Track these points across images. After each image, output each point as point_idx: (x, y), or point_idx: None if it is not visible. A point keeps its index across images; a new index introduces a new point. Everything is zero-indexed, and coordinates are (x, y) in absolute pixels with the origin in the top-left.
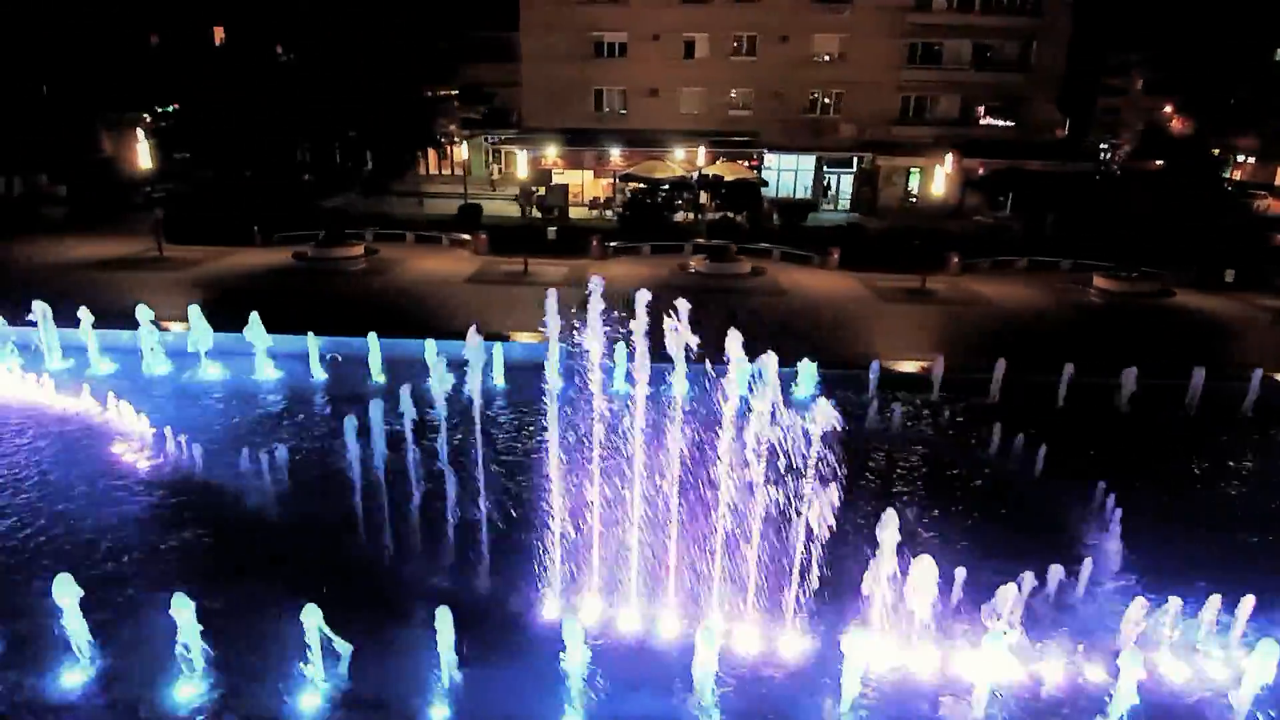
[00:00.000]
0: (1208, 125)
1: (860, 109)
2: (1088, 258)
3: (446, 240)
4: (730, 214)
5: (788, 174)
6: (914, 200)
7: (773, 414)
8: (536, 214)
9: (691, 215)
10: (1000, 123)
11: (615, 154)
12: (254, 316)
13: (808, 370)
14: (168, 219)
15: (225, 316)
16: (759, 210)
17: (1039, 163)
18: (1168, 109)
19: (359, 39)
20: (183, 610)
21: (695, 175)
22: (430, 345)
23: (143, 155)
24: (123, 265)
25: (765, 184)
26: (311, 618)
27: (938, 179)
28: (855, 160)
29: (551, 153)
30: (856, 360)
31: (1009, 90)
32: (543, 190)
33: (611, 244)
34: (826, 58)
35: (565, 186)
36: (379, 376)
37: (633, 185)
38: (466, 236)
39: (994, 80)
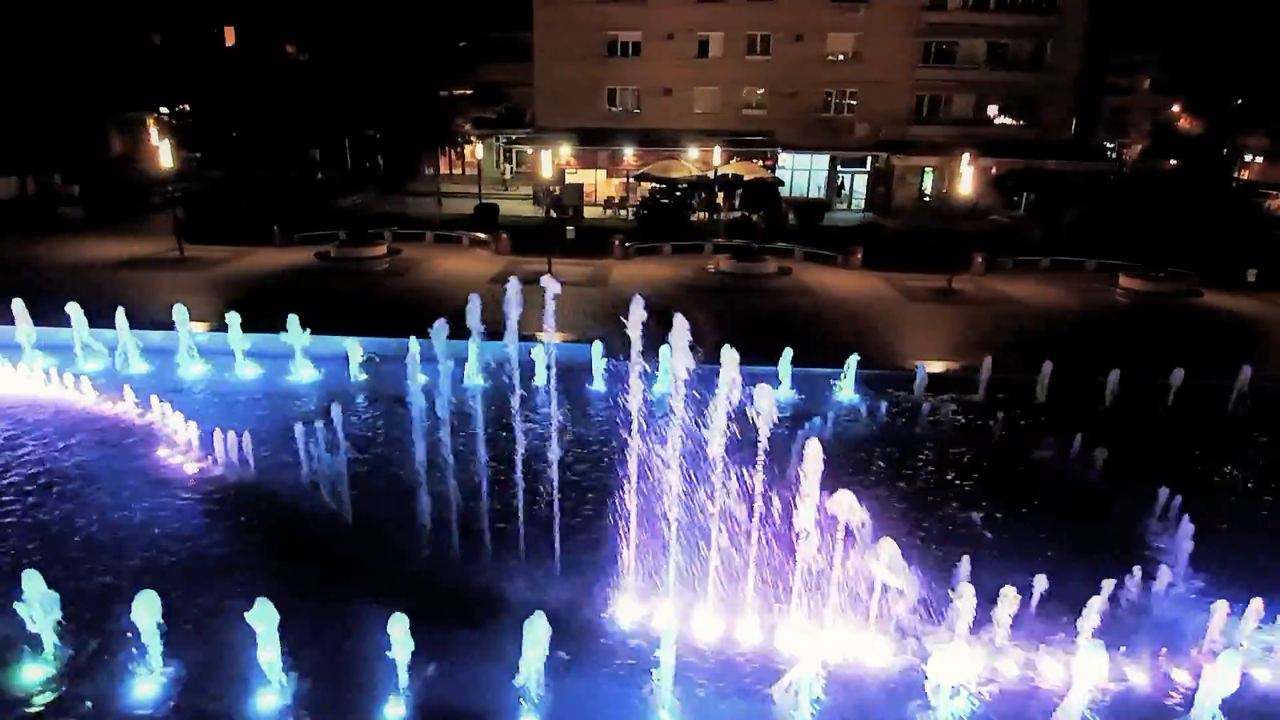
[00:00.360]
0: (1218, 125)
1: (875, 108)
2: (1104, 257)
3: (466, 240)
4: (749, 214)
5: (801, 173)
6: (928, 199)
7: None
8: (552, 213)
9: (710, 215)
10: (1014, 122)
11: (629, 154)
12: (293, 319)
13: (851, 369)
14: (185, 219)
15: (252, 316)
16: (777, 210)
17: (1053, 162)
18: (1175, 109)
19: (373, 38)
20: (261, 619)
21: (714, 175)
22: (474, 346)
23: (164, 154)
24: (145, 265)
25: (781, 184)
26: (398, 626)
27: (965, 178)
28: (869, 160)
29: (565, 152)
30: (894, 361)
31: (1024, 89)
32: (557, 190)
33: (628, 244)
34: (841, 57)
35: (580, 186)
36: (419, 378)
37: (649, 185)
38: (485, 236)
39: (1009, 79)
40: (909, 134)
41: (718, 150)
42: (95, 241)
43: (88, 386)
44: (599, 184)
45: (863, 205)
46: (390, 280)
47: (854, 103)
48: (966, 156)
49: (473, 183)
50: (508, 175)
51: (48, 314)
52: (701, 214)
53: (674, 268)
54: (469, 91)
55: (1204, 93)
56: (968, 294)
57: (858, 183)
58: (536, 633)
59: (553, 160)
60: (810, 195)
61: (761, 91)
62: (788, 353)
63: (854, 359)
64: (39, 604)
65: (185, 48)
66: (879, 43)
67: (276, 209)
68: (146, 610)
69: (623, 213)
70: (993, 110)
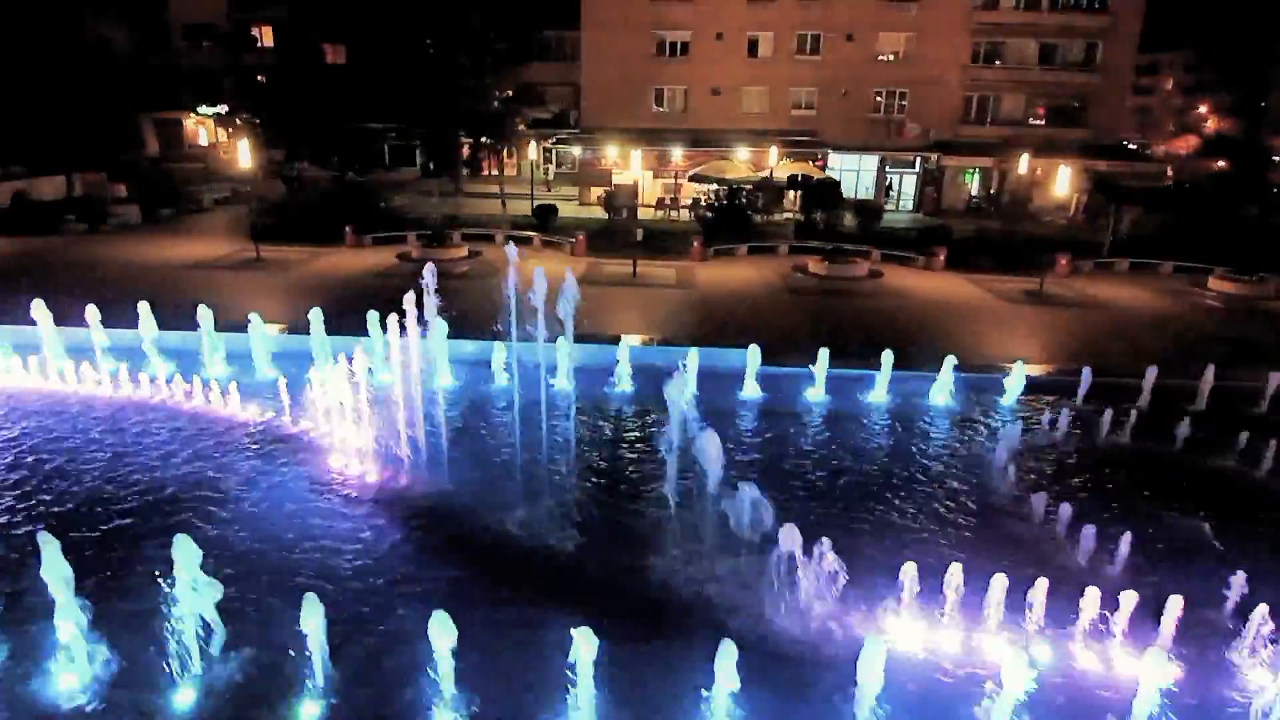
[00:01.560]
0: (1256, 125)
1: (925, 108)
2: (1161, 259)
3: (538, 241)
4: (812, 215)
5: (849, 174)
6: (977, 200)
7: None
8: (610, 214)
9: (767, 216)
10: (1066, 124)
11: (678, 154)
12: (441, 325)
13: (1018, 376)
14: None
15: (348, 319)
16: (840, 211)
17: (1105, 163)
18: (1202, 109)
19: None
20: (441, 636)
21: (771, 175)
22: (624, 349)
23: (242, 154)
24: (222, 267)
25: (838, 184)
26: (585, 642)
27: (1060, 181)
28: (918, 160)
29: (612, 153)
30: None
31: (1076, 90)
32: (610, 190)
33: (708, 246)
34: (892, 56)
35: (634, 186)
36: (564, 383)
37: (703, 186)
38: (558, 238)
39: (1060, 80)
40: (959, 134)
41: (774, 151)
42: (157, 242)
43: (224, 393)
44: (646, 184)
45: (911, 206)
46: (476, 282)
47: (905, 103)
48: (1025, 157)
49: (514, 184)
50: (550, 176)
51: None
52: (767, 215)
53: (756, 270)
54: (509, 93)
55: (1241, 93)
56: (1060, 297)
57: (906, 183)
58: (724, 659)
59: (596, 160)
60: (861, 196)
61: (811, 91)
62: (950, 360)
63: (1020, 366)
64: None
65: (232, 47)
66: (930, 42)
67: (337, 209)
68: (314, 619)
69: (674, 213)
70: (1043, 111)
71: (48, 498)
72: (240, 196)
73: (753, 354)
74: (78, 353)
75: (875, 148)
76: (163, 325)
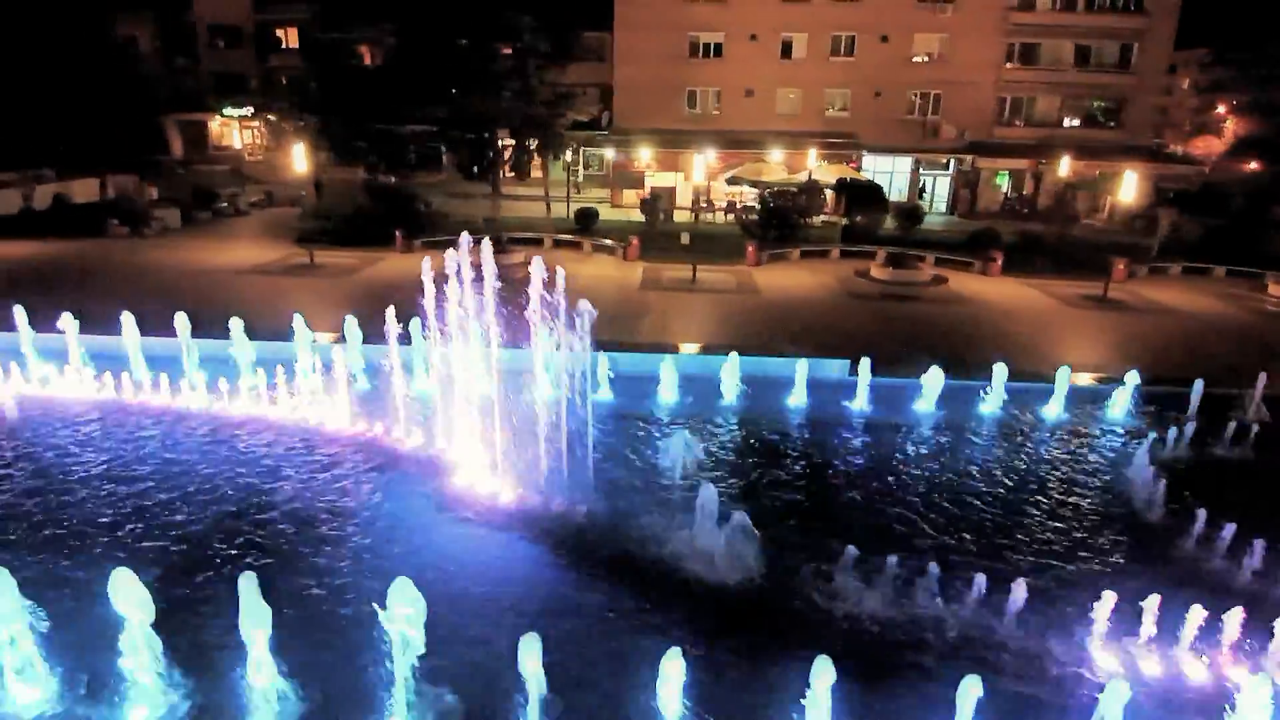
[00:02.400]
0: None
1: (960, 110)
2: (1203, 262)
3: (589, 245)
4: (859, 218)
5: (883, 176)
6: (1011, 201)
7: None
8: (647, 217)
9: (817, 219)
10: (1100, 125)
11: (711, 156)
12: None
13: (1130, 386)
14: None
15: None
16: (885, 214)
17: (1141, 165)
18: (1220, 109)
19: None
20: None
21: (809, 177)
22: (733, 361)
23: (297, 159)
24: (277, 272)
25: (881, 188)
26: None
27: (1127, 187)
28: (952, 162)
29: (645, 155)
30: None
31: (1111, 92)
32: (653, 193)
33: (763, 250)
34: (926, 58)
35: (672, 190)
36: (670, 394)
37: (734, 189)
38: (610, 241)
39: (1096, 81)
40: (993, 136)
41: (812, 153)
42: (203, 246)
43: (330, 407)
44: (678, 186)
45: (944, 208)
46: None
47: (939, 104)
48: (1067, 159)
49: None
50: (579, 178)
51: (207, 325)
52: (817, 218)
53: (812, 274)
54: (555, 94)
55: (1262, 92)
56: (1124, 303)
57: (939, 185)
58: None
59: (629, 162)
60: (894, 199)
61: (845, 93)
62: (1064, 370)
63: (1133, 376)
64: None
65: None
66: (966, 43)
67: (379, 213)
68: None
69: (708, 216)
70: (1078, 113)
71: (175, 520)
72: (275, 200)
73: (864, 367)
74: (164, 364)
75: (909, 149)
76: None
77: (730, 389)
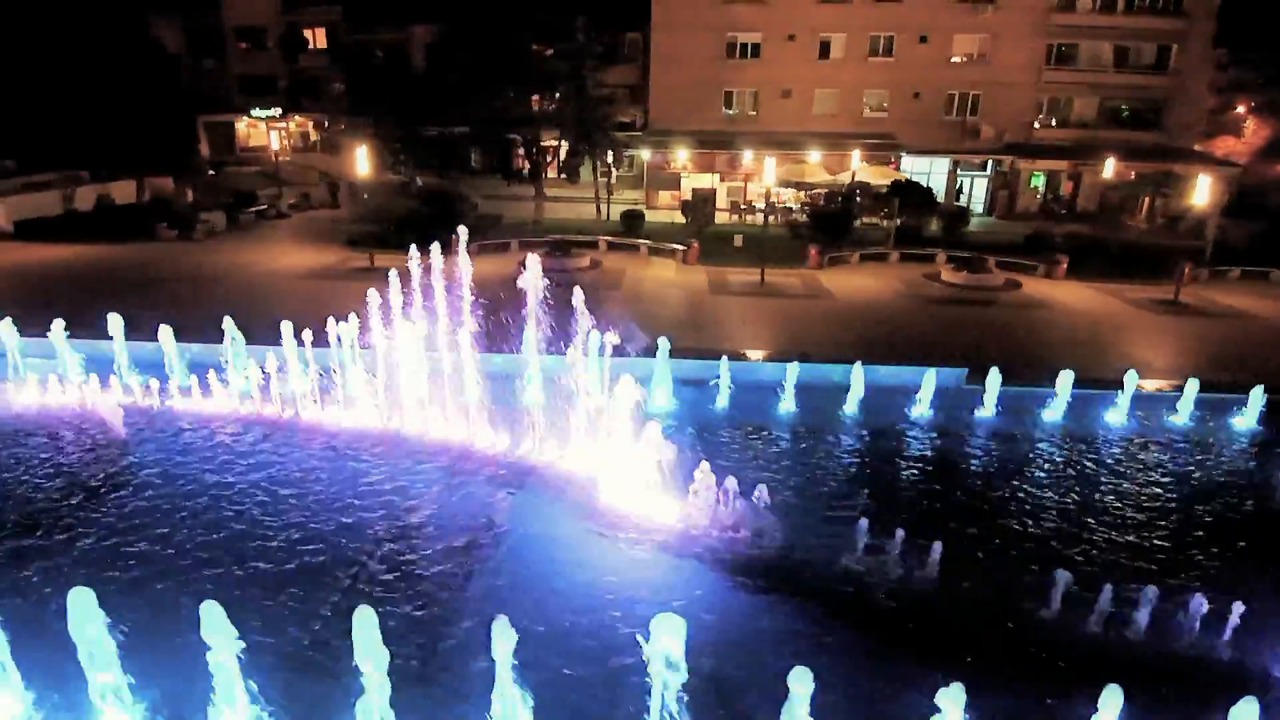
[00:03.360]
0: None
1: (999, 111)
2: (1260, 265)
3: (645, 249)
4: (912, 221)
5: (919, 177)
6: (1051, 203)
7: None
8: (688, 219)
9: (874, 220)
10: (1139, 127)
11: (748, 157)
12: (663, 341)
13: (1256, 398)
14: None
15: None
16: (934, 216)
17: (1180, 166)
18: (1240, 109)
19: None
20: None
21: (853, 179)
22: (858, 371)
23: (360, 162)
24: (339, 276)
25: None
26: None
27: (1200, 190)
28: (990, 163)
29: (682, 156)
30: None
31: (1151, 93)
32: (682, 195)
33: (824, 253)
34: (966, 58)
35: (712, 192)
36: (789, 404)
37: (759, 190)
38: (671, 245)
39: (1135, 83)
40: (1032, 137)
41: (856, 155)
42: (254, 249)
43: (465, 421)
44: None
45: (982, 209)
46: (611, 292)
47: (978, 105)
48: (1111, 161)
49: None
50: (613, 180)
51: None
52: (869, 220)
53: (877, 278)
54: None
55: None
56: (1197, 307)
57: (977, 186)
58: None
59: (665, 164)
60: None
61: (883, 93)
62: (1193, 384)
63: (1259, 392)
64: None
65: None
66: (1006, 44)
67: (428, 216)
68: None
69: (747, 217)
70: (1116, 114)
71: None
72: (311, 202)
73: (993, 376)
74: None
75: (948, 151)
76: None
77: (853, 399)
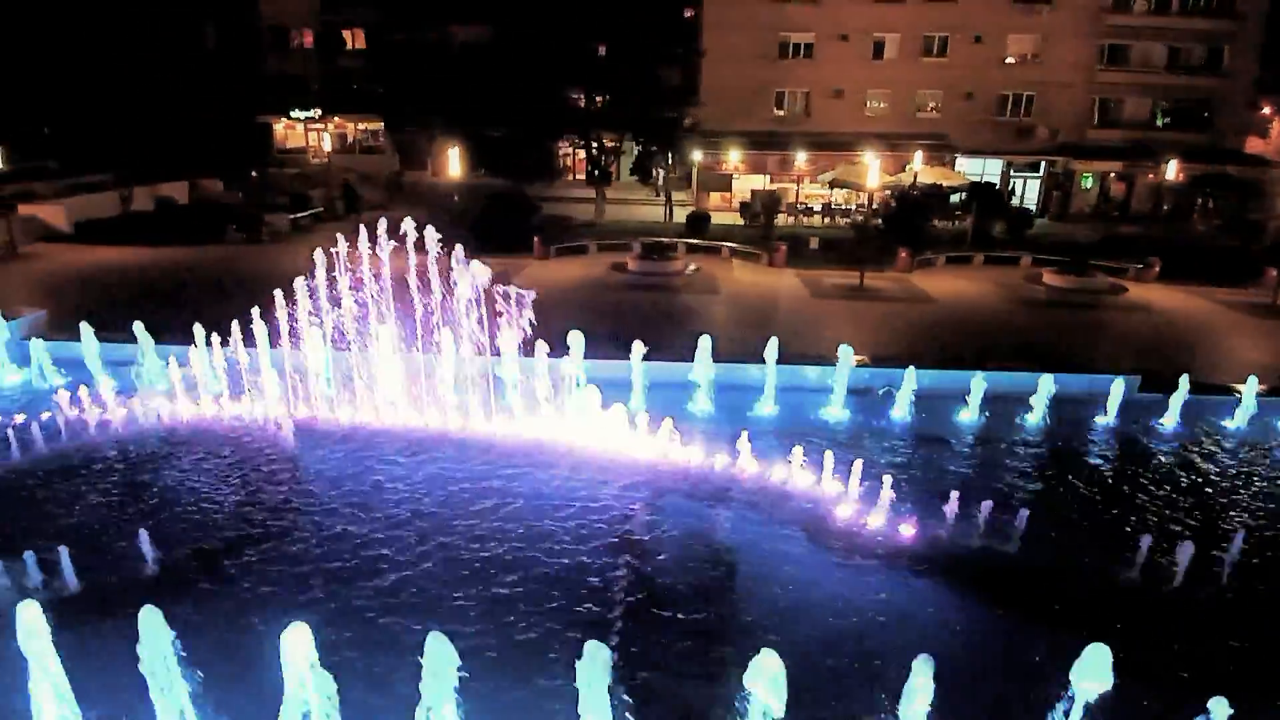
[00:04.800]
0: None
1: (1052, 111)
2: None
3: (726, 252)
4: (982, 221)
5: (972, 178)
6: (1104, 204)
7: None
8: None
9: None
10: (1189, 127)
11: (801, 158)
12: (846, 350)
13: None
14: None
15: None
16: (1001, 218)
17: (1235, 167)
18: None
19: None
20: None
21: (915, 180)
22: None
23: (452, 165)
24: None
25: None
26: None
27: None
28: (1043, 164)
29: (734, 157)
30: None
31: (1203, 93)
32: (766, 195)
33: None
34: (1019, 58)
35: (773, 193)
36: (971, 414)
37: (814, 191)
38: (752, 249)
39: (1187, 83)
40: (1086, 137)
41: (918, 156)
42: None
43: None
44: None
45: (1034, 210)
46: (713, 296)
47: (1032, 105)
48: (1174, 163)
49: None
50: (660, 180)
51: None
52: (950, 222)
53: (972, 280)
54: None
55: None
56: None
57: (1029, 188)
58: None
59: (716, 164)
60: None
61: (936, 93)
62: None
63: None
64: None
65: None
66: (1060, 44)
67: (502, 218)
68: None
69: (805, 218)
70: (1169, 114)
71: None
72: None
73: (1182, 385)
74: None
75: (1003, 151)
76: None
77: (1038, 409)
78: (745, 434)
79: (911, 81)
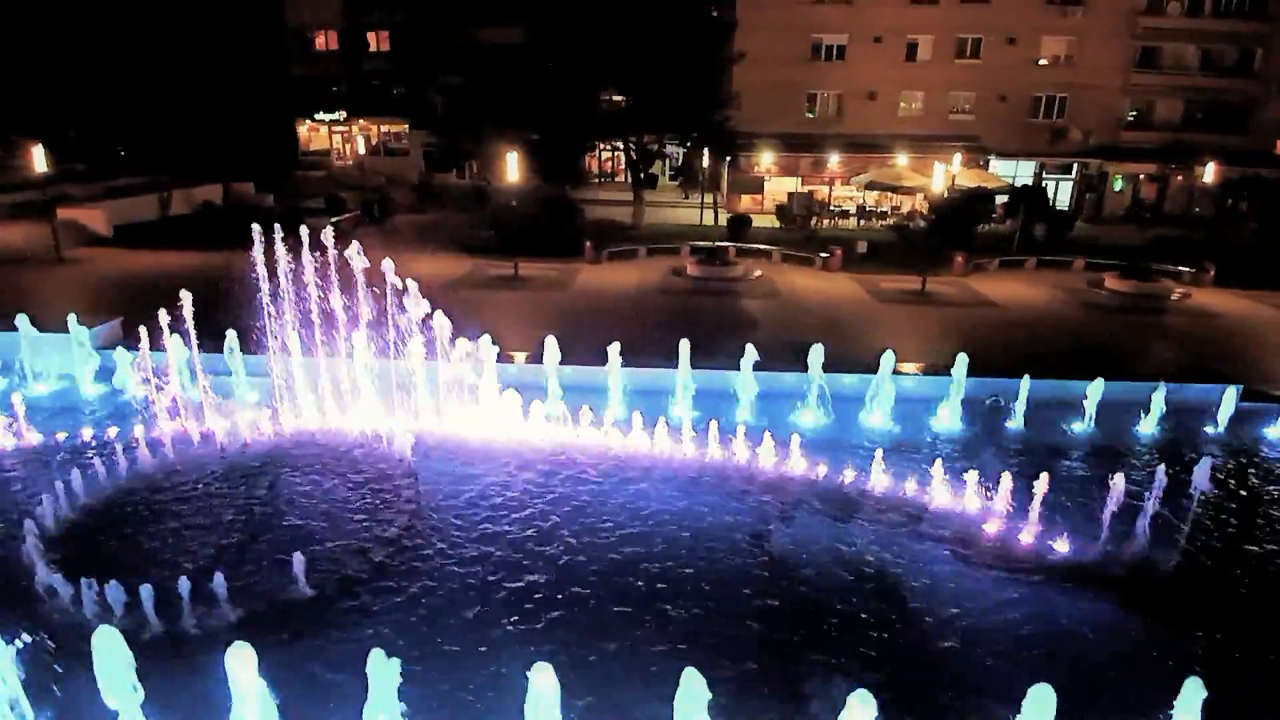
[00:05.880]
0: None
1: (1086, 113)
2: None
3: (777, 256)
4: (1030, 225)
5: (1005, 180)
6: (1137, 207)
7: None
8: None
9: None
10: (1223, 129)
11: (834, 160)
12: (964, 359)
13: None
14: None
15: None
16: (1044, 221)
17: (1270, 170)
18: None
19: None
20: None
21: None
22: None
23: (511, 169)
24: (492, 285)
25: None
26: None
27: None
28: (1076, 166)
29: (767, 159)
30: None
31: (1236, 96)
32: (781, 199)
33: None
34: (1053, 60)
35: (811, 195)
36: (1019, 421)
37: (867, 195)
38: (806, 253)
39: (1221, 85)
40: (1119, 139)
41: (957, 159)
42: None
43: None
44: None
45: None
46: (774, 301)
47: (1065, 107)
48: (1212, 166)
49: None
50: (704, 184)
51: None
52: (993, 225)
53: (1031, 284)
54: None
55: None
56: None
57: (1061, 190)
58: None
59: (750, 166)
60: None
61: (970, 95)
62: None
63: None
64: None
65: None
66: (1093, 46)
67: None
68: None
69: (839, 221)
70: (1202, 116)
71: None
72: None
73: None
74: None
75: (1038, 153)
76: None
77: (1152, 418)
78: (880, 451)
79: (945, 83)
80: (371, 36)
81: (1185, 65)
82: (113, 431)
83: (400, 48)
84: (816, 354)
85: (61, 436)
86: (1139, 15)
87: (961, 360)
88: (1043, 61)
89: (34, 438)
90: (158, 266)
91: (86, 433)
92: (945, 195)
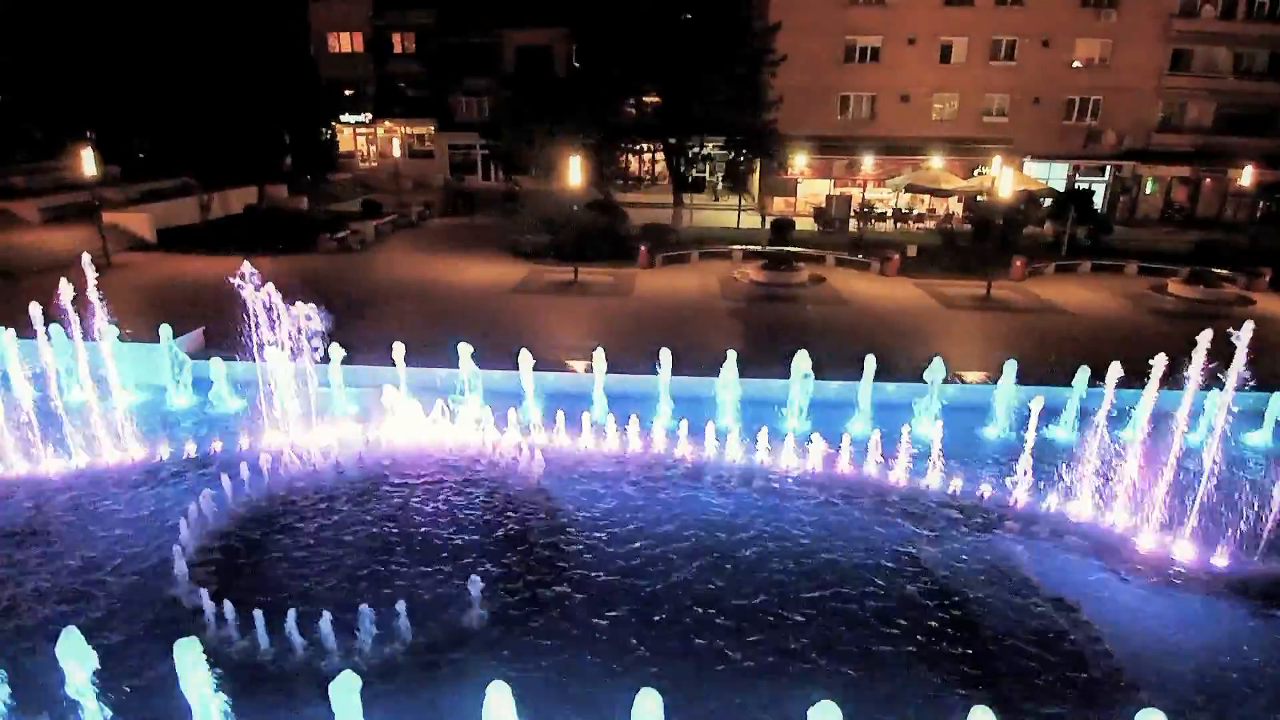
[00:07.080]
0: None
1: (1119, 116)
2: None
3: (831, 260)
4: (1060, 227)
5: (1039, 182)
6: (1171, 210)
7: None
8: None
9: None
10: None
11: (869, 163)
12: (1011, 364)
13: None
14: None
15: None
16: (1097, 223)
17: None
18: None
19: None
20: None
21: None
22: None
23: (573, 173)
24: (552, 290)
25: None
26: None
27: None
28: (1108, 168)
29: (800, 161)
30: None
31: (1270, 99)
32: (817, 202)
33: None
34: (1087, 63)
35: (849, 198)
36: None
37: (875, 195)
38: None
39: (1254, 88)
40: (1152, 142)
41: (997, 161)
42: (423, 261)
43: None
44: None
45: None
46: (843, 309)
47: (1099, 110)
48: (1250, 169)
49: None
50: (719, 185)
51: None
52: (1042, 228)
53: (1091, 289)
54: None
55: None
56: None
57: (1095, 192)
58: None
59: (783, 169)
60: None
61: (1004, 98)
62: None
63: None
64: None
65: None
66: (1127, 49)
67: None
68: None
69: (876, 224)
70: (1236, 119)
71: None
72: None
73: None
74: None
75: (1069, 155)
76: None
77: (1267, 426)
78: (1024, 464)
79: (979, 85)
80: (396, 38)
81: (1218, 68)
82: (217, 445)
83: (426, 49)
84: (937, 366)
85: (165, 453)
86: (1173, 18)
87: (1083, 373)
88: (1077, 64)
89: (137, 453)
90: (210, 272)
91: (190, 448)
92: (1001, 198)
